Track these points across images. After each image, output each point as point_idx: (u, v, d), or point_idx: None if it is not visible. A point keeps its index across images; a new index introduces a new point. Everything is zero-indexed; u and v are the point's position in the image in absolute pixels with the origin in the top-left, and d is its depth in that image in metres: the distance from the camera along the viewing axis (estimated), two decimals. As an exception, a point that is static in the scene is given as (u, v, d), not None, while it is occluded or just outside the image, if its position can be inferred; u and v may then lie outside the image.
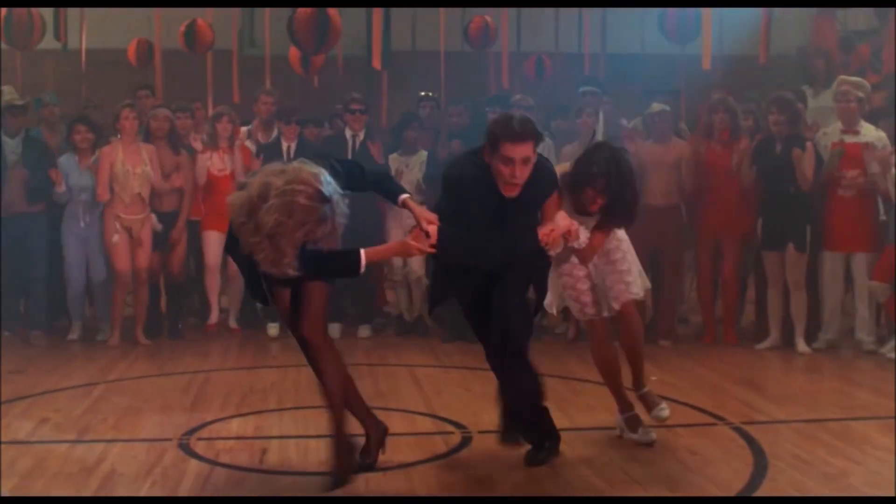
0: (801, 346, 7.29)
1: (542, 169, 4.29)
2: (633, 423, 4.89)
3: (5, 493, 4.10)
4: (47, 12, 10.14)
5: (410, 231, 4.22)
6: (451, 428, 5.14)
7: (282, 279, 3.99)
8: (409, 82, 12.61)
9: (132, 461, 4.54)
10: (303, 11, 9.65)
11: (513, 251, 4.22)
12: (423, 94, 8.93)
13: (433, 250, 4.07)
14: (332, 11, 9.67)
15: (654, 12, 11.25)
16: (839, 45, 11.08)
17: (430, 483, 4.26)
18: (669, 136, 7.70)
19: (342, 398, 4.22)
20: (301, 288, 4.13)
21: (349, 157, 7.53)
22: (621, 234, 4.77)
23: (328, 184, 3.75)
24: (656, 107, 7.76)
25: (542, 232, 4.21)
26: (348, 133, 7.96)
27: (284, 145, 7.96)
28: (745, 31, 11.20)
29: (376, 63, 8.46)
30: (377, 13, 8.30)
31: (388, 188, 4.33)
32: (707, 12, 9.36)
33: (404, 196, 4.22)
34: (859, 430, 5.15)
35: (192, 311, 8.44)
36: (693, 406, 5.57)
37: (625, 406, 4.93)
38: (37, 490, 4.15)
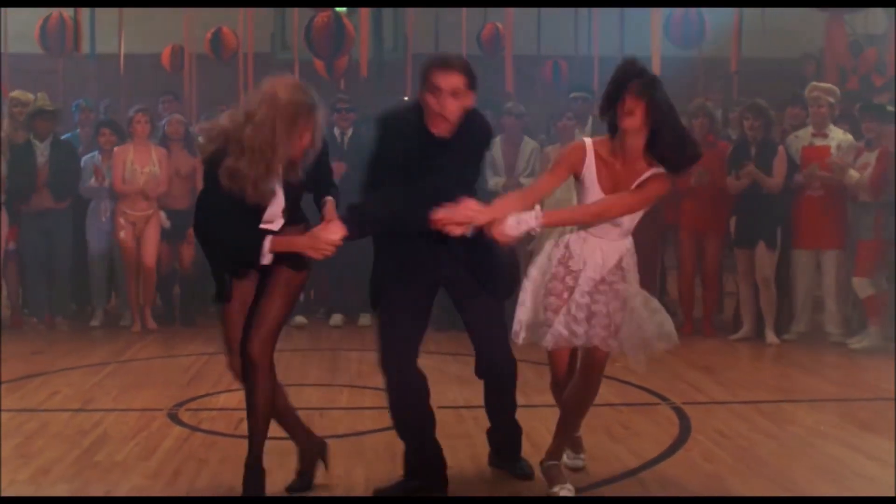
0: (771, 337, 7.71)
1: (475, 118, 4.04)
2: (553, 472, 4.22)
3: (13, 449, 4.71)
4: (84, 18, 10.82)
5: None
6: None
7: (243, 278, 3.96)
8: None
9: (123, 426, 5.16)
10: (319, 19, 10.30)
11: (436, 201, 3.76)
12: None
13: (340, 242, 3.85)
14: (346, 19, 10.31)
15: (663, 16, 11.73)
16: (849, 49, 11.50)
17: (381, 449, 4.78)
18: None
19: (266, 423, 4.02)
20: (261, 302, 3.95)
21: (342, 154, 8.13)
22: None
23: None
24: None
25: (441, 213, 3.74)
26: (336, 131, 8.50)
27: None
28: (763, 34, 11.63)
29: (363, 70, 9.00)
30: (364, 21, 8.80)
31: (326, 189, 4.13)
32: (736, 17, 9.77)
33: (329, 198, 4.06)
34: (789, 410, 5.62)
35: (209, 300, 9.05)
36: (643, 388, 6.04)
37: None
38: (37, 447, 4.78)
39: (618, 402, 5.73)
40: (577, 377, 4.13)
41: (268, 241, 3.82)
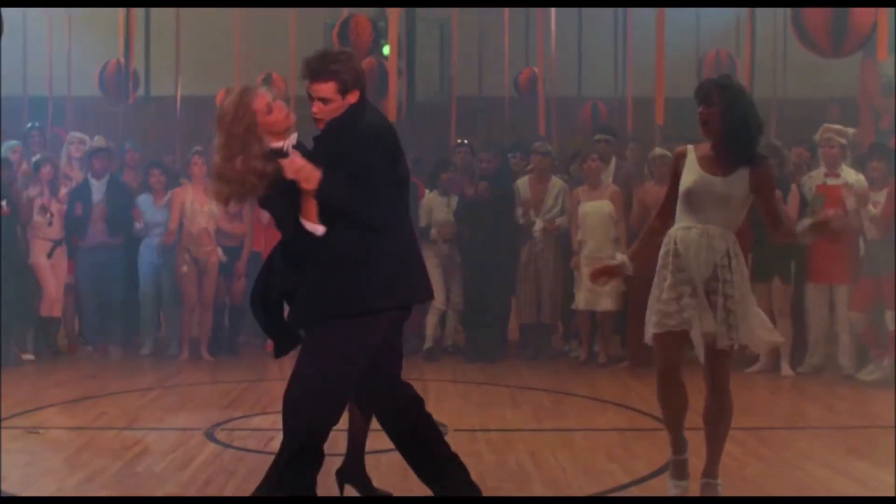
0: (786, 369, 8.02)
1: (348, 118, 4.02)
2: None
3: (63, 460, 5.22)
4: (140, 64, 11.48)
5: None
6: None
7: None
8: (475, 125, 13.74)
9: (163, 443, 5.67)
10: (364, 65, 10.88)
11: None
12: (458, 141, 9.96)
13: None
14: (391, 64, 10.87)
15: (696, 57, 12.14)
16: (881, 92, 11.80)
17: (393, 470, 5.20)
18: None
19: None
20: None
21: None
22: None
23: None
24: (658, 151, 8.60)
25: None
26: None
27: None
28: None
29: (392, 115, 9.49)
30: (392, 70, 9.29)
31: None
32: (748, 59, 10.10)
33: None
34: (785, 436, 5.96)
35: (257, 332, 9.57)
36: (650, 415, 6.39)
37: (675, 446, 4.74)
38: (84, 459, 5.29)
39: (624, 427, 6.10)
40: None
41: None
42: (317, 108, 4.03)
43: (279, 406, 4.05)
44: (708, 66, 12.04)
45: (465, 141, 9.93)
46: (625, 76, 12.39)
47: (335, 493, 4.56)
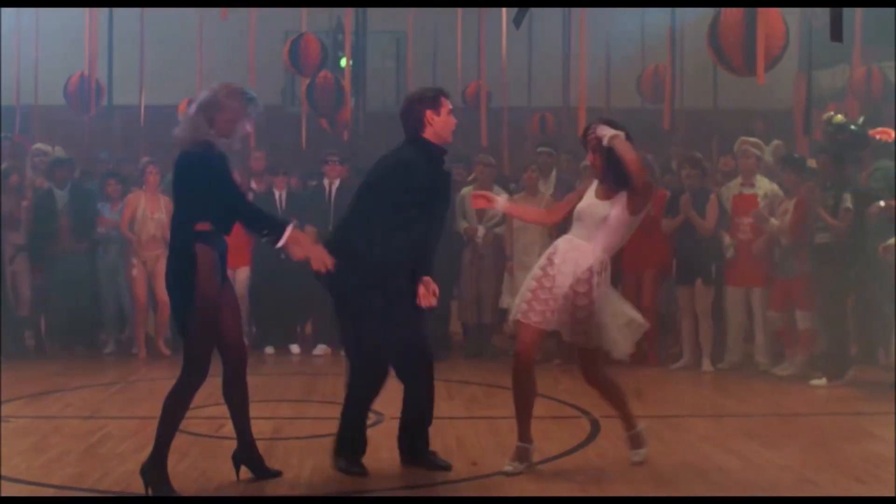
0: (706, 365, 8.68)
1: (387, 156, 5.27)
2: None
3: (31, 444, 5.75)
4: (104, 75, 11.95)
5: None
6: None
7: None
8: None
9: (124, 429, 6.20)
10: (320, 78, 11.49)
11: None
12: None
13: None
14: (346, 79, 11.46)
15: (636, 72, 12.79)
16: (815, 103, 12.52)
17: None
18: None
19: None
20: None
21: (329, 202, 9.23)
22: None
23: None
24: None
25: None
26: (326, 182, 9.60)
27: (276, 194, 9.65)
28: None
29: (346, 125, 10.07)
30: (347, 82, 9.86)
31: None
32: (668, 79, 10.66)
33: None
34: (692, 423, 6.57)
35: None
36: (572, 405, 7.00)
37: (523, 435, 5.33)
38: (51, 443, 5.82)
39: (545, 415, 6.67)
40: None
41: (290, 228, 4.82)
42: None
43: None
44: (647, 81, 12.76)
45: None
46: (576, 87, 12.94)
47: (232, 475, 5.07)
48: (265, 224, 4.89)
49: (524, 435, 5.30)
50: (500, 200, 5.67)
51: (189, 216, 4.76)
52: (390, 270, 5.08)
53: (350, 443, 5.28)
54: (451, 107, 5.19)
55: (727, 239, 8.62)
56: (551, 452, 5.66)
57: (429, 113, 5.11)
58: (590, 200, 5.22)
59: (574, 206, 5.31)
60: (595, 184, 5.29)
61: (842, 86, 12.82)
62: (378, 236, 5.02)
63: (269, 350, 9.60)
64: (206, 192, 4.74)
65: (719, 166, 9.42)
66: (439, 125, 5.13)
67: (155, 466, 4.82)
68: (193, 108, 4.83)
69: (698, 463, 5.53)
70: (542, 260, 5.25)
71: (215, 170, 4.76)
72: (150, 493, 4.77)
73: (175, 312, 4.96)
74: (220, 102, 4.78)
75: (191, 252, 4.71)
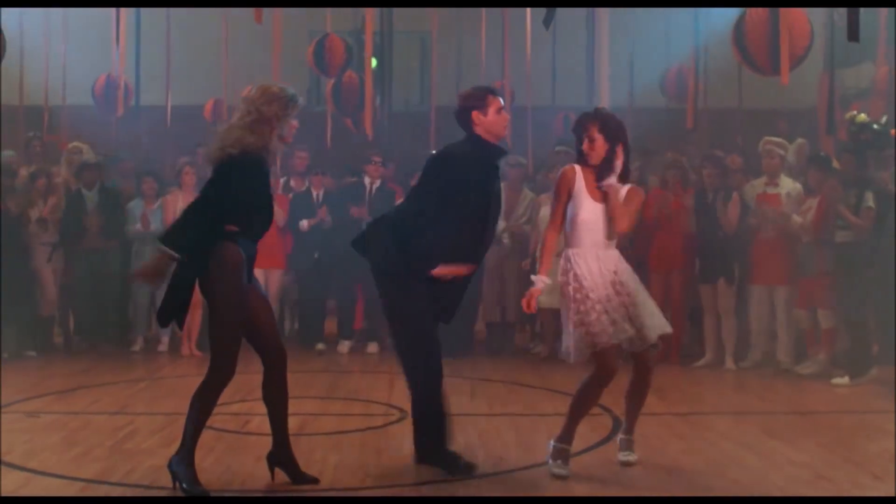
0: (729, 363, 8.70)
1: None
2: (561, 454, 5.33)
3: (61, 439, 5.86)
4: (131, 75, 12.09)
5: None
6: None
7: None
8: (453, 134, 14.30)
9: (151, 424, 6.30)
10: (345, 78, 11.58)
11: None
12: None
13: None
14: (369, 78, 11.54)
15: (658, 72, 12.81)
16: (839, 103, 12.48)
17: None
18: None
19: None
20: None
21: (366, 199, 9.31)
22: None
23: None
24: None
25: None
26: (367, 180, 9.69)
27: (314, 193, 9.74)
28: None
29: (368, 130, 10.14)
30: (368, 84, 9.93)
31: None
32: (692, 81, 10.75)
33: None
34: (712, 421, 6.60)
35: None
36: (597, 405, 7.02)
37: (569, 437, 5.37)
38: (79, 437, 5.93)
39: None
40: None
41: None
42: None
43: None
44: (671, 80, 12.76)
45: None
46: (599, 86, 13.02)
47: (267, 476, 5.09)
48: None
49: (569, 437, 5.34)
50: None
51: (220, 217, 4.79)
52: (433, 261, 5.16)
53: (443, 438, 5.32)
54: (500, 104, 5.25)
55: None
56: (574, 449, 5.69)
57: (475, 113, 5.20)
58: (591, 208, 5.20)
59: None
60: (585, 191, 5.20)
61: (866, 85, 12.77)
62: (425, 224, 5.13)
63: (321, 346, 9.68)
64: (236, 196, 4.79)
65: (727, 163, 9.37)
66: (488, 123, 5.21)
67: (182, 461, 4.88)
68: (235, 117, 4.80)
69: (718, 460, 5.57)
70: (601, 279, 5.17)
71: (251, 179, 4.80)
72: (178, 487, 4.83)
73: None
74: (259, 111, 4.73)
75: (219, 251, 4.76)
